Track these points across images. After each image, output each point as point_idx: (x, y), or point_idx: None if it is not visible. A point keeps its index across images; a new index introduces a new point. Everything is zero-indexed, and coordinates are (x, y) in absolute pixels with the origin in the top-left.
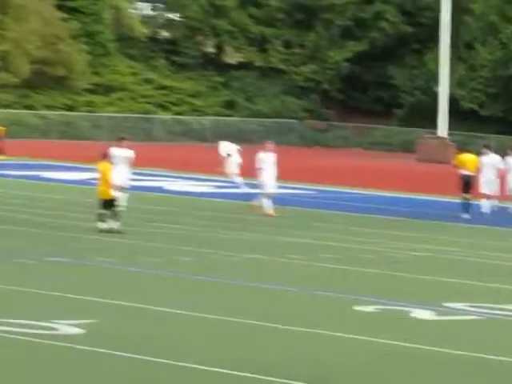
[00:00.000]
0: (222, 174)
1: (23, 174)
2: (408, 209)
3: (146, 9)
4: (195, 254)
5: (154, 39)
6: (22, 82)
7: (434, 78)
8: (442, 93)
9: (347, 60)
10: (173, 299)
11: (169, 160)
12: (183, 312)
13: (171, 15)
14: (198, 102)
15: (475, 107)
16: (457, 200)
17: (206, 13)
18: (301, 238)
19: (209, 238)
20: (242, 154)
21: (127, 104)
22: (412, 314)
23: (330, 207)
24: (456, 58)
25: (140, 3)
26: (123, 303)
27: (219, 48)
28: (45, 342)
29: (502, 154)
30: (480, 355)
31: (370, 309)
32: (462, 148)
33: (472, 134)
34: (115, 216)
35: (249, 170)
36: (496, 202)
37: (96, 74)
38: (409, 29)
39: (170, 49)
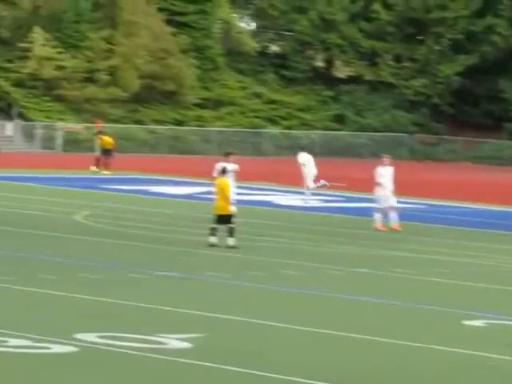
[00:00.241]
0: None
1: (133, 189)
2: None
3: (257, 23)
4: (302, 268)
5: (263, 53)
6: (132, 96)
7: None
8: None
9: (458, 74)
10: (280, 313)
11: (277, 174)
12: (291, 326)
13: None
14: (307, 116)
15: None
16: None
17: (316, 27)
18: (409, 252)
19: (316, 252)
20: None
21: (236, 118)
22: None
23: (439, 221)
24: None
25: (249, 18)
26: (231, 317)
27: (329, 62)
28: (153, 356)
29: None
30: None
31: (478, 323)
32: None
33: None
34: (230, 232)
35: (360, 183)
36: None
37: (205, 88)
38: None
39: (280, 63)
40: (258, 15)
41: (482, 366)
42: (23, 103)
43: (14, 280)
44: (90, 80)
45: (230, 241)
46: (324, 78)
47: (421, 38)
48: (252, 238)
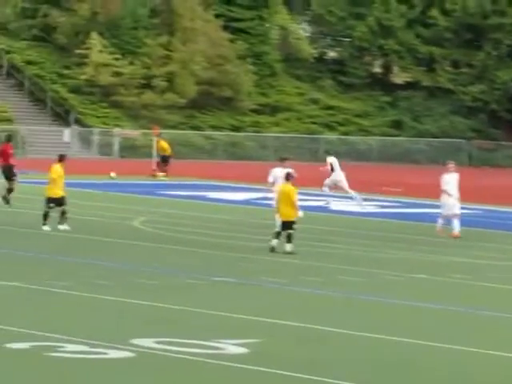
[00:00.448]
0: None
1: (190, 195)
2: None
3: (314, 29)
4: (360, 274)
5: (320, 59)
6: (189, 102)
7: None
8: None
9: None
10: (337, 319)
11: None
12: (347, 331)
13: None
14: (364, 122)
15: None
16: None
17: (374, 33)
18: (467, 258)
19: (373, 257)
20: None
21: (293, 124)
22: None
23: (497, 227)
24: None
25: (307, 24)
26: (288, 323)
27: (386, 68)
28: (210, 361)
29: None
30: None
31: None
32: None
33: None
34: (289, 238)
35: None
36: None
37: (262, 94)
38: None
39: (337, 69)
40: (316, 21)
41: None
42: (80, 109)
43: (72, 285)
44: (147, 86)
45: (288, 247)
46: (381, 83)
47: (479, 43)
48: (309, 244)
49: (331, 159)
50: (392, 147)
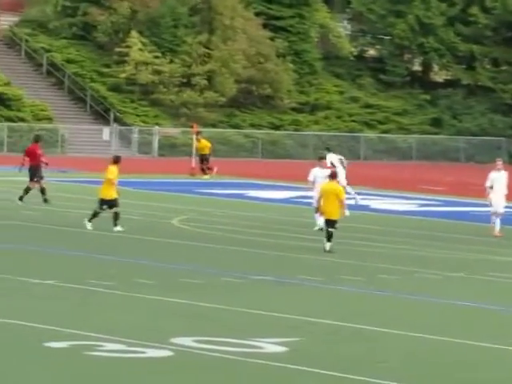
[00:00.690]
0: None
1: (229, 193)
2: None
3: (354, 27)
4: (400, 273)
5: (360, 57)
6: (228, 101)
7: None
8: None
9: None
10: (377, 317)
11: (375, 178)
12: (388, 330)
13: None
14: (404, 120)
15: None
16: None
17: (414, 31)
18: (508, 257)
19: (413, 256)
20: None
21: (333, 122)
22: None
23: None
24: None
25: (346, 22)
26: (328, 321)
27: (426, 66)
28: (249, 360)
29: None
30: None
31: None
32: None
33: None
34: (329, 237)
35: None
36: None
37: (302, 92)
38: None
39: (377, 67)
40: (356, 19)
41: None
42: (120, 108)
43: (113, 285)
44: (186, 84)
45: (327, 245)
46: (421, 81)
47: None
48: (349, 243)
49: (331, 156)
50: (431, 145)
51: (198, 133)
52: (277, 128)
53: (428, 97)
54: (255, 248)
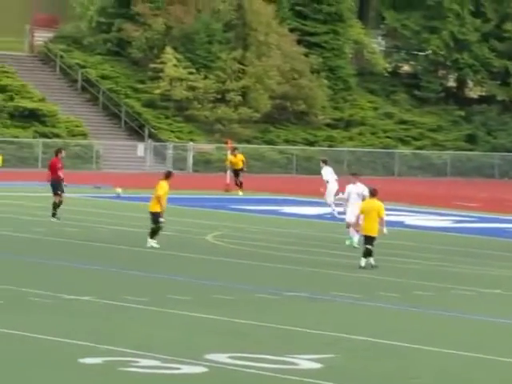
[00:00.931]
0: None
1: (264, 209)
2: None
3: (388, 43)
4: (435, 289)
5: (395, 73)
6: (263, 116)
7: None
8: None
9: None
10: (411, 334)
11: (409, 194)
12: (422, 347)
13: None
14: (438, 137)
15: None
16: None
17: (448, 47)
18: None
19: (448, 272)
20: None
21: (367, 138)
22: None
23: None
24: None
25: (381, 38)
26: (361, 338)
27: (460, 82)
28: (284, 376)
29: None
30: None
31: None
32: None
33: None
34: (366, 253)
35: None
36: None
37: (336, 108)
38: None
39: (412, 83)
40: (390, 35)
41: None
42: (154, 124)
43: (147, 301)
44: (221, 100)
45: (363, 262)
46: (456, 98)
47: None
48: (384, 259)
49: (326, 169)
50: (466, 162)
51: (233, 148)
52: (311, 144)
53: (462, 113)
54: (289, 264)
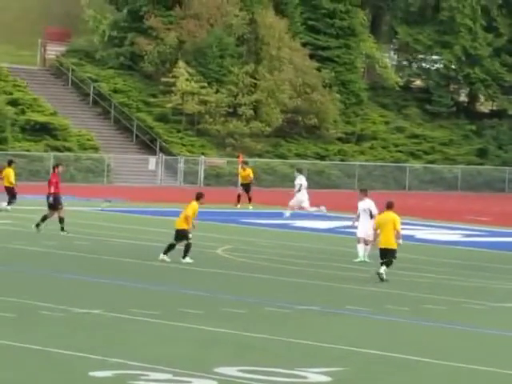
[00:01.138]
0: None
1: (275, 223)
2: None
3: (400, 57)
4: (446, 303)
5: (406, 88)
6: (274, 131)
7: None
8: None
9: None
10: (421, 347)
11: (420, 208)
12: (432, 360)
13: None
14: (450, 151)
15: None
16: None
17: (460, 61)
18: None
19: (458, 286)
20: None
21: (378, 152)
22: None
23: None
24: None
25: (392, 52)
26: (371, 351)
27: (472, 96)
28: None
29: None
30: None
31: None
32: None
33: None
34: (387, 264)
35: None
36: None
37: (348, 122)
38: None
39: (423, 97)
40: (402, 49)
41: None
42: (166, 138)
43: (158, 314)
44: (233, 114)
45: (382, 269)
46: (467, 112)
47: None
48: (396, 273)
49: (301, 179)
50: (477, 176)
51: (244, 162)
52: (322, 158)
53: (474, 127)
54: (300, 278)
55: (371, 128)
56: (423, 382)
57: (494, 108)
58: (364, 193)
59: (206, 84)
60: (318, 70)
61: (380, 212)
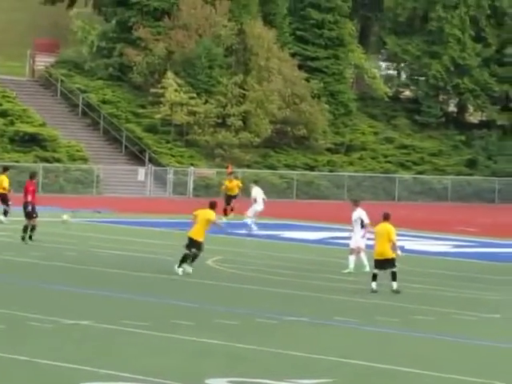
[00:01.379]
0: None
1: (263, 234)
2: None
3: (389, 68)
4: (436, 314)
5: (395, 98)
6: (263, 141)
7: None
8: None
9: None
10: (411, 358)
11: (410, 219)
12: (422, 371)
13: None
14: (439, 161)
15: None
16: None
17: (449, 72)
18: None
19: (449, 297)
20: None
21: (368, 163)
22: None
23: None
24: None
25: (382, 62)
26: (361, 362)
27: (461, 107)
28: None
29: None
30: None
31: None
32: None
33: None
34: (393, 276)
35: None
36: None
37: (337, 133)
38: None
39: (412, 108)
40: (391, 60)
41: None
42: (155, 148)
43: (148, 325)
44: (221, 125)
45: (394, 285)
46: (456, 122)
47: None
48: (385, 284)
49: (256, 190)
50: (466, 186)
51: (231, 173)
52: (312, 169)
53: (463, 138)
54: (289, 289)
55: (360, 138)
56: None
57: (483, 118)
58: (355, 203)
59: (194, 95)
60: (307, 80)
61: (375, 223)
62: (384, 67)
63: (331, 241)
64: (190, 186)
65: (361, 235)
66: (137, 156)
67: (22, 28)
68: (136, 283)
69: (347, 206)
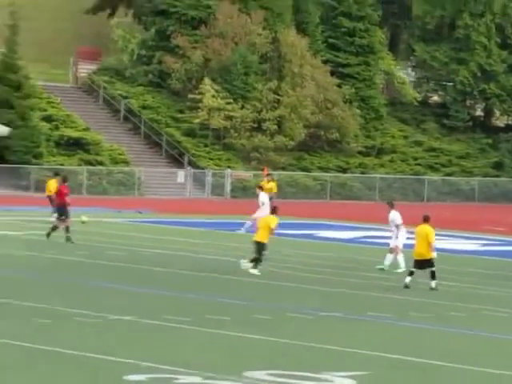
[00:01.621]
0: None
1: (299, 233)
2: None
3: (418, 74)
4: (468, 310)
5: (424, 103)
6: (298, 145)
7: None
8: None
9: None
10: (443, 352)
11: (439, 220)
12: (454, 365)
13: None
14: (466, 164)
15: None
16: None
17: (476, 77)
18: None
19: (481, 294)
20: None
21: (398, 165)
22: None
23: None
24: None
25: (410, 69)
26: (395, 356)
27: (487, 111)
28: None
29: None
30: None
31: None
32: None
33: None
34: (432, 275)
35: None
36: None
37: (368, 137)
38: None
39: (440, 112)
40: (420, 66)
41: None
42: (194, 152)
43: (189, 320)
44: (257, 129)
45: (433, 283)
46: (483, 126)
47: None
48: (420, 282)
49: (263, 196)
50: (493, 187)
51: (268, 175)
52: (344, 171)
53: (490, 141)
54: (324, 286)
55: (390, 142)
56: None
57: (509, 122)
58: (390, 205)
59: (231, 100)
60: (339, 86)
61: (406, 223)
62: (412, 73)
63: (364, 240)
64: (228, 187)
65: (396, 235)
66: (176, 159)
67: (67, 37)
68: (176, 281)
69: (379, 207)
